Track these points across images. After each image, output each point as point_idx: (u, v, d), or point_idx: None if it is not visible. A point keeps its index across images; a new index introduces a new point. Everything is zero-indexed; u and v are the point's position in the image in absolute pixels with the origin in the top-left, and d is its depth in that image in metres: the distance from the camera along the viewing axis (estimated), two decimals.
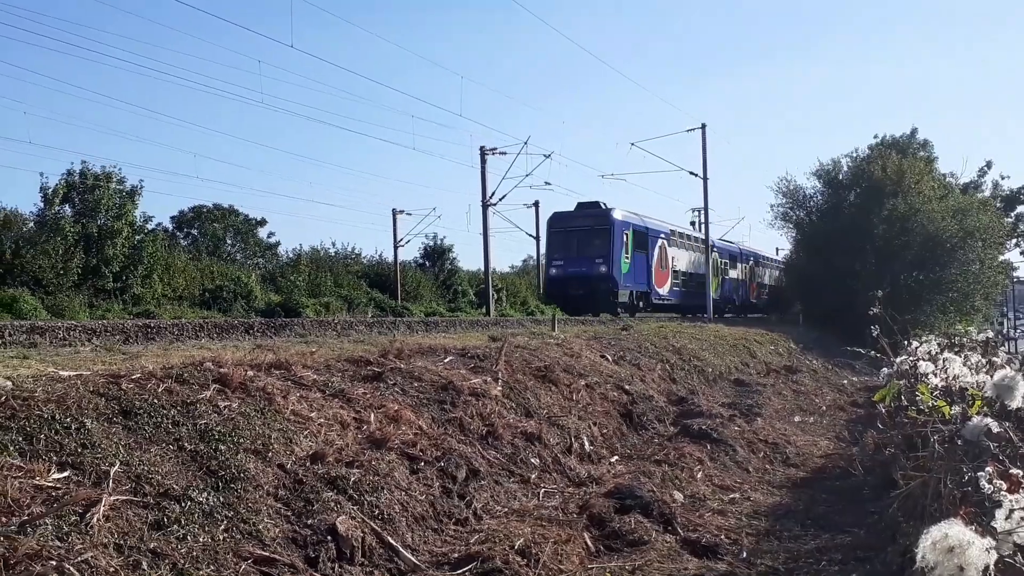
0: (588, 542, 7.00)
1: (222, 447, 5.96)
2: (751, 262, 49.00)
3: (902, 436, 7.55)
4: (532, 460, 8.92)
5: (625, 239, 31.51)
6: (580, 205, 32.98)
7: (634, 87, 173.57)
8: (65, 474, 4.94)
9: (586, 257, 30.82)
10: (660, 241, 35.17)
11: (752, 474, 10.75)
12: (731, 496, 9.39)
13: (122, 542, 4.64)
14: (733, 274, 45.02)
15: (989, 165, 53.40)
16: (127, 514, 4.85)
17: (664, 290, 35.26)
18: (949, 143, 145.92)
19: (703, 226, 39.22)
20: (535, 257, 55.63)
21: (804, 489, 10.11)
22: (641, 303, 32.64)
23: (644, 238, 33.39)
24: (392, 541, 6.08)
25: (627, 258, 31.45)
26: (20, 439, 5.04)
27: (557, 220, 32.78)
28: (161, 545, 4.78)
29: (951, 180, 44.73)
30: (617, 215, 31.50)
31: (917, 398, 6.21)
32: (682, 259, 37.68)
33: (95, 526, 4.60)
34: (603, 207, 31.92)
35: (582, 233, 31.43)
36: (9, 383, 5.58)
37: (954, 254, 35.23)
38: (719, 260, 42.28)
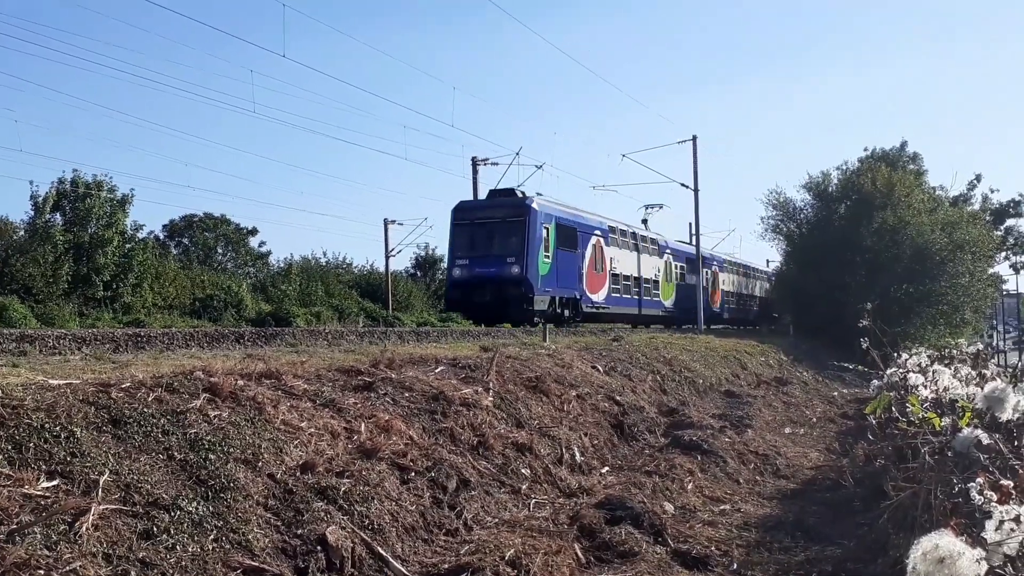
0: (578, 553, 6.99)
1: (212, 456, 5.94)
2: (713, 267, 44.44)
3: (892, 448, 7.57)
4: (523, 471, 8.91)
5: (545, 234, 26.24)
6: (492, 193, 28.09)
7: (626, 99, 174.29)
8: (54, 483, 4.92)
9: (495, 256, 25.51)
10: (595, 239, 29.92)
11: (742, 485, 10.75)
12: (721, 507, 9.39)
13: (111, 551, 4.62)
14: (692, 280, 40.03)
15: (979, 178, 53.74)
16: (116, 523, 4.83)
17: (599, 296, 30.00)
18: (939, 157, 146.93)
19: (694, 237, 38.99)
20: None
21: (794, 500, 10.11)
22: (567, 311, 27.34)
23: (572, 234, 28.24)
24: (382, 551, 6.06)
25: (547, 257, 26.15)
26: (9, 447, 5.01)
27: (463, 211, 27.18)
28: (150, 554, 4.75)
29: (941, 193, 44.95)
30: (536, 205, 26.35)
31: (907, 410, 6.23)
32: (625, 261, 32.65)
33: (84, 535, 4.57)
34: (519, 195, 26.97)
35: (492, 226, 25.96)
36: None
37: (944, 267, 35.43)
38: (672, 264, 38.29)
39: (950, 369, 7.38)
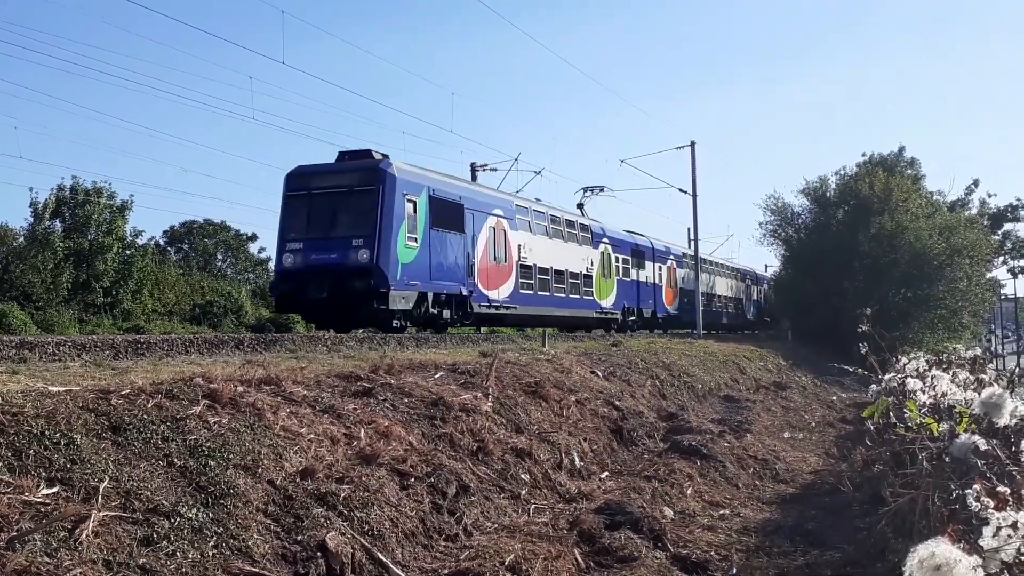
0: (578, 558, 7.00)
1: (212, 463, 5.94)
2: (670, 263, 38.18)
3: (890, 453, 7.59)
4: (522, 476, 8.92)
5: (411, 209, 19.78)
6: (341, 155, 20.85)
7: (624, 104, 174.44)
8: (54, 490, 4.92)
9: (336, 238, 19.08)
10: (494, 220, 23.53)
11: (742, 490, 10.76)
12: (721, 512, 9.40)
13: (111, 558, 4.63)
14: (639, 276, 34.33)
15: (976, 183, 53.88)
16: (116, 530, 4.84)
17: (501, 293, 23.47)
18: (937, 162, 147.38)
19: (692, 243, 38.85)
20: None
21: (794, 505, 10.13)
22: (448, 312, 21.07)
23: (456, 212, 21.74)
24: (382, 557, 6.07)
25: (413, 240, 19.74)
26: (9, 455, 5.02)
27: (298, 178, 19.99)
28: (150, 561, 4.76)
29: (938, 198, 45.09)
30: (396, 170, 19.60)
31: (905, 415, 6.25)
32: (541, 249, 26.00)
33: (84, 542, 4.58)
34: (375, 157, 20.12)
35: (334, 198, 19.47)
36: None
37: (941, 271, 35.50)
38: (611, 256, 31.62)
39: (948, 374, 7.39)
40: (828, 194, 39.29)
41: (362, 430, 7.70)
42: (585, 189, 34.66)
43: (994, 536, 2.81)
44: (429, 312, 20.16)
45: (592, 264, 29.69)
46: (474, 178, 34.17)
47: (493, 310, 23.10)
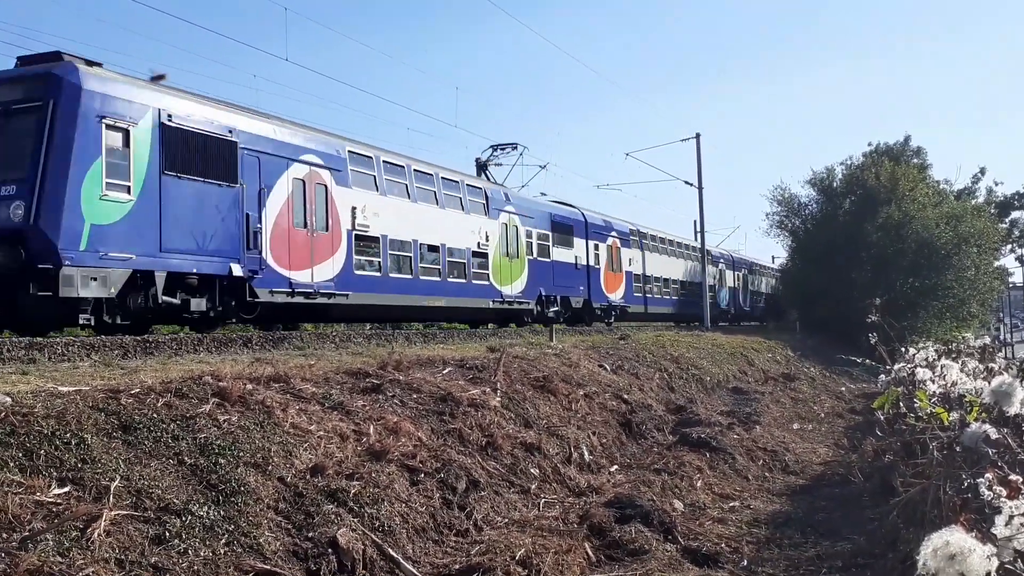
0: (589, 552, 7.00)
1: (222, 461, 5.96)
2: (611, 240, 30.91)
3: (901, 443, 7.59)
4: (532, 470, 8.92)
5: (117, 142, 12.72)
6: (19, 62, 13.14)
7: (629, 98, 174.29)
8: (65, 489, 4.94)
9: None
10: (302, 168, 16.43)
11: (752, 482, 10.76)
12: (731, 504, 9.40)
13: (123, 557, 4.65)
14: (562, 256, 27.17)
15: (983, 171, 53.49)
16: (128, 529, 4.85)
17: (316, 275, 16.48)
18: (943, 151, 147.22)
19: (698, 235, 38.69)
20: None
21: (804, 496, 10.12)
22: (204, 301, 14.10)
23: (217, 151, 14.48)
24: (393, 553, 6.08)
25: (120, 189, 12.65)
26: (20, 455, 5.04)
27: None
28: (162, 560, 4.78)
29: (945, 187, 44.77)
30: (84, 78, 12.43)
31: (915, 405, 6.24)
32: (397, 216, 19.09)
33: (96, 541, 4.60)
34: (65, 59, 12.67)
35: None
36: (8, 399, 5.58)
37: (949, 260, 35.36)
38: (519, 229, 24.73)
39: (958, 363, 7.38)
40: (835, 184, 39.18)
41: (371, 426, 7.71)
42: (494, 147, 28.22)
43: (1007, 524, 2.81)
44: (162, 301, 13.29)
45: (487, 239, 22.84)
46: (479, 174, 33.36)
47: (302, 299, 16.15)
